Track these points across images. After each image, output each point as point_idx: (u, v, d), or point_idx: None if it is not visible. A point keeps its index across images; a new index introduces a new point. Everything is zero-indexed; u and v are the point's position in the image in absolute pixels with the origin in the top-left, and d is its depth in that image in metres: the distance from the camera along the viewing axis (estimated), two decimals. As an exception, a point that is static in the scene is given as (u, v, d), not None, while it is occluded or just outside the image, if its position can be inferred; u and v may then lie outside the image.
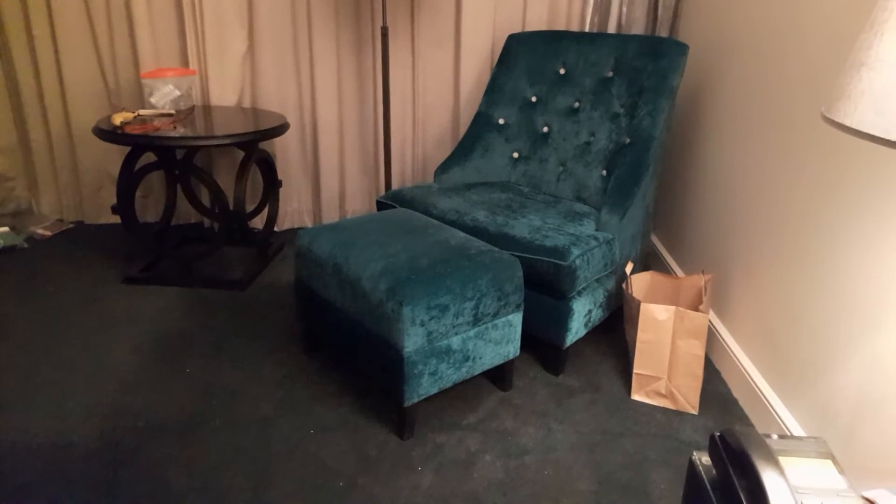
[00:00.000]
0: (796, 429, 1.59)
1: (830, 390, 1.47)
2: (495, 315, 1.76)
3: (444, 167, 2.50)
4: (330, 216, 3.09)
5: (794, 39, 1.71)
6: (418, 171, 3.03)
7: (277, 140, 2.96)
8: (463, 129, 2.92)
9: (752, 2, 2.00)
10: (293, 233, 3.07)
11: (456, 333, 1.68)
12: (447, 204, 2.18)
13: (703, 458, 1.04)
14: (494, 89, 2.56)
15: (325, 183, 3.02)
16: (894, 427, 1.25)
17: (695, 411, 1.85)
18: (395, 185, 3.05)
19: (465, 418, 1.80)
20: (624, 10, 2.66)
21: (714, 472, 1.01)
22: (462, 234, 1.91)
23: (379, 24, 2.80)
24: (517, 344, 1.86)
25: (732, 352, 1.95)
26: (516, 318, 1.82)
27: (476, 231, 2.03)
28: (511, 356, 1.86)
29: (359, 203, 3.10)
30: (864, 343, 1.36)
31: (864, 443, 1.34)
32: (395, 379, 1.65)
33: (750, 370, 1.84)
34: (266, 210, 2.90)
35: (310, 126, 2.95)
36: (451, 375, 1.71)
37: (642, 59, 2.28)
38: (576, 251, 1.86)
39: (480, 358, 1.77)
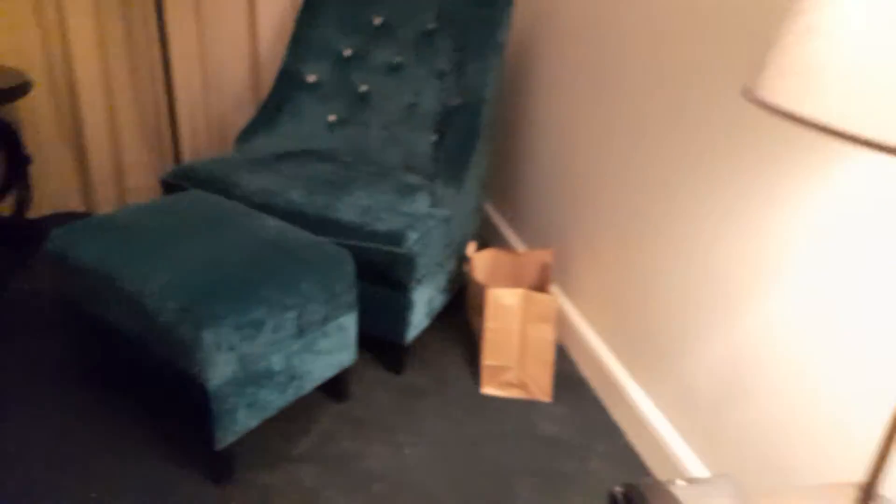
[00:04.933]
0: (654, 412, 1.50)
1: (691, 371, 1.38)
2: (324, 321, 1.45)
3: (246, 134, 2.09)
4: (105, 196, 2.50)
5: (636, -9, 1.56)
6: (215, 139, 2.55)
7: (22, 104, 2.30)
8: (266, 88, 2.49)
9: (584, -52, 1.82)
10: (58, 219, 2.45)
11: (277, 351, 1.35)
12: (254, 182, 1.79)
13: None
14: (301, 41, 2.17)
15: (94, 156, 2.42)
16: (763, 414, 1.17)
17: (548, 399, 1.72)
18: (187, 157, 2.55)
19: (296, 447, 1.49)
20: (443, -48, 2.38)
21: (618, 529, 0.82)
22: (275, 221, 1.56)
23: (148, -45, 2.24)
24: (353, 349, 1.58)
25: (581, 331, 1.84)
26: (349, 321, 1.53)
27: (293, 216, 1.68)
28: (346, 364, 1.57)
29: (142, 178, 2.55)
30: (725, 322, 1.26)
31: (728, 429, 1.26)
32: (201, 418, 1.28)
33: (601, 351, 1.74)
34: (14, 194, 2.26)
35: (65, 86, 2.33)
36: (274, 402, 1.39)
37: (467, 10, 2.04)
38: (413, 235, 1.60)
39: (310, 373, 1.46)
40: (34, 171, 2.39)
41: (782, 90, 0.59)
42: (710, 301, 1.31)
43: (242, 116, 2.55)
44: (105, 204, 2.50)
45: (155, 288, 1.27)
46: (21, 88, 1.92)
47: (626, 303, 1.62)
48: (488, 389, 1.73)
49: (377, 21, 2.15)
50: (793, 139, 1.08)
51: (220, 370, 1.24)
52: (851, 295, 0.98)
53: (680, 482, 0.76)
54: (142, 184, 2.56)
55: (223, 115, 2.54)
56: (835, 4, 0.54)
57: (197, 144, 2.56)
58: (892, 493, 0.90)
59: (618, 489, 0.74)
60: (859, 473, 0.96)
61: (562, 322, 1.94)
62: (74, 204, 2.52)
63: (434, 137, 2.05)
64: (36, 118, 2.34)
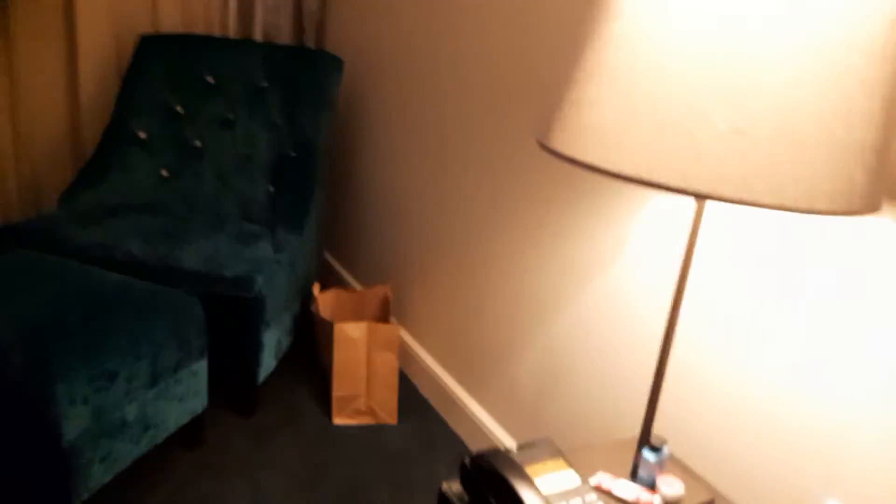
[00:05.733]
0: (486, 418, 1.73)
1: (513, 377, 1.62)
2: (177, 368, 1.49)
3: (72, 191, 2.04)
4: None
5: (446, 54, 1.84)
6: (29, 199, 2.42)
7: None
8: (89, 144, 2.43)
9: (398, 16, 2.09)
10: None
11: (131, 401, 1.37)
12: (87, 237, 1.78)
13: (454, 487, 1.02)
14: (129, 97, 2.18)
15: None
16: (570, 398, 1.44)
17: (394, 421, 1.88)
18: (-3, 217, 2.39)
19: (154, 497, 1.49)
20: (268, 17, 2.54)
21: (467, 498, 1.00)
22: (116, 275, 1.57)
23: (-53, 7, 2.13)
24: (205, 395, 1.62)
25: (419, 356, 2.03)
26: (201, 367, 1.58)
27: (133, 268, 1.70)
28: (199, 410, 1.61)
29: (-59, 242, 2.34)
30: (538, 331, 1.53)
31: (546, 417, 1.51)
32: (53, 478, 1.26)
33: (438, 371, 1.94)
34: None
35: None
36: (129, 453, 1.40)
37: (297, 70, 2.20)
38: (260, 278, 1.70)
39: (164, 422, 1.49)
40: None
41: (562, 141, 0.82)
42: (526, 315, 1.57)
43: (61, 174, 2.46)
44: None
45: (-4, 348, 1.25)
46: None
47: (456, 326, 1.85)
48: (339, 420, 1.85)
49: (209, 79, 2.23)
50: (583, 184, 1.38)
51: (73, 424, 1.24)
52: (628, 291, 1.28)
53: (514, 449, 0.96)
54: (-60, 248, 2.35)
55: (39, 174, 2.42)
56: (595, 84, 0.79)
57: (8, 206, 2.41)
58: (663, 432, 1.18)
59: (466, 459, 0.91)
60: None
61: (401, 350, 2.12)
62: None
63: (270, 187, 2.16)
64: None
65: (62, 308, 1.37)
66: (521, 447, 0.99)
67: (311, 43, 2.62)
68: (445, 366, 1.93)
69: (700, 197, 0.70)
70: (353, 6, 2.40)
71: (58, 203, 2.03)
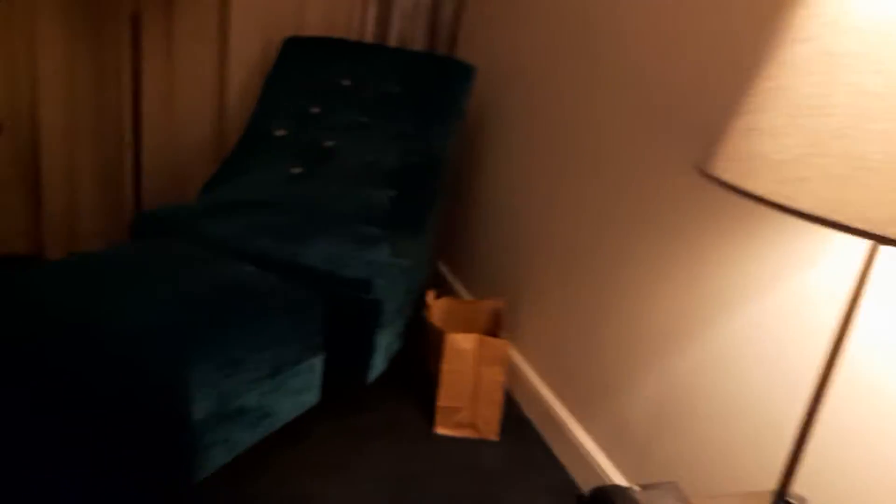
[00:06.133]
0: (593, 448, 1.66)
1: (627, 409, 1.55)
2: (297, 362, 1.54)
3: (212, 183, 2.18)
4: (55, 241, 2.50)
5: (586, 68, 1.80)
6: (177, 187, 2.62)
7: (-23, 143, 2.31)
8: (231, 138, 2.59)
9: (536, 27, 2.07)
10: (4, 263, 2.43)
11: (252, 389, 1.43)
12: (223, 229, 1.88)
13: (567, 520, 0.98)
14: (270, 97, 2.30)
15: (47, 201, 2.44)
16: (690, 439, 1.35)
17: (496, 437, 1.85)
18: (146, 204, 2.59)
19: (257, 485, 1.55)
20: (404, 24, 2.60)
21: (581, 534, 0.95)
22: (249, 268, 1.65)
23: (127, 8, 2.34)
24: (318, 389, 1.67)
25: (526, 375, 1.99)
26: (318, 362, 1.63)
27: (263, 262, 1.78)
28: (311, 404, 1.66)
29: (96, 224, 2.57)
30: (660, 363, 1.45)
31: (660, 456, 1.43)
32: (178, 457, 1.34)
33: (544, 392, 1.90)
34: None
35: (28, 128, 2.36)
36: (246, 439, 1.46)
37: (430, 77, 2.24)
38: (380, 282, 1.73)
39: (279, 413, 1.54)
40: (-16, 211, 2.38)
41: (729, 170, 0.77)
42: (647, 344, 1.49)
43: (205, 165, 2.63)
44: (53, 249, 2.50)
45: (134, 329, 1.34)
46: (-12, 130, 1.95)
47: (568, 348, 1.79)
48: (442, 430, 1.85)
49: (345, 83, 2.31)
50: (732, 212, 1.30)
51: (201, 406, 1.31)
52: (775, 329, 1.18)
53: (636, 487, 0.91)
54: (94, 229, 2.58)
55: (185, 163, 2.61)
56: (773, 113, 0.73)
57: (157, 192, 2.61)
58: (803, 492, 1.08)
59: (585, 493, 0.87)
60: (771, 483, 1.14)
61: (508, 366, 2.09)
62: (20, 248, 2.51)
63: (393, 193, 2.20)
64: (-8, 159, 2.35)
65: (197, 295, 1.45)
66: (644, 487, 0.94)
67: (443, 50, 2.66)
68: (553, 388, 1.88)
69: (883, 241, 0.62)
70: (489, 15, 2.41)
71: (199, 193, 2.17)
